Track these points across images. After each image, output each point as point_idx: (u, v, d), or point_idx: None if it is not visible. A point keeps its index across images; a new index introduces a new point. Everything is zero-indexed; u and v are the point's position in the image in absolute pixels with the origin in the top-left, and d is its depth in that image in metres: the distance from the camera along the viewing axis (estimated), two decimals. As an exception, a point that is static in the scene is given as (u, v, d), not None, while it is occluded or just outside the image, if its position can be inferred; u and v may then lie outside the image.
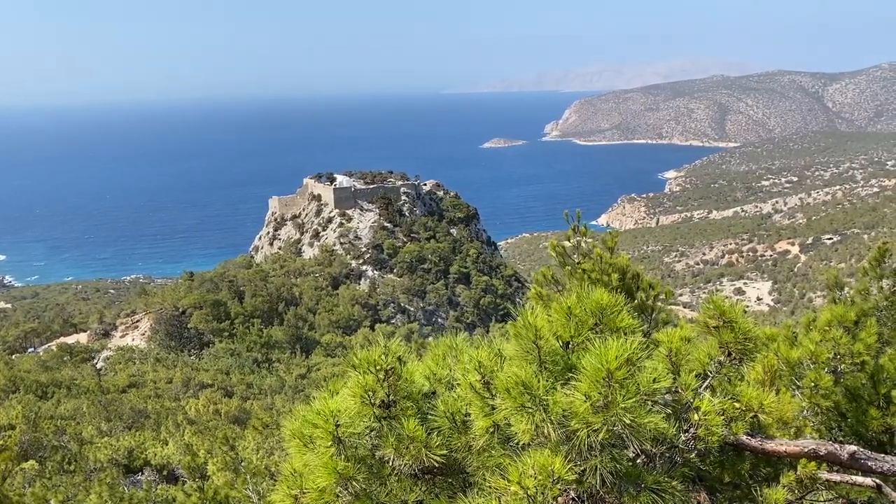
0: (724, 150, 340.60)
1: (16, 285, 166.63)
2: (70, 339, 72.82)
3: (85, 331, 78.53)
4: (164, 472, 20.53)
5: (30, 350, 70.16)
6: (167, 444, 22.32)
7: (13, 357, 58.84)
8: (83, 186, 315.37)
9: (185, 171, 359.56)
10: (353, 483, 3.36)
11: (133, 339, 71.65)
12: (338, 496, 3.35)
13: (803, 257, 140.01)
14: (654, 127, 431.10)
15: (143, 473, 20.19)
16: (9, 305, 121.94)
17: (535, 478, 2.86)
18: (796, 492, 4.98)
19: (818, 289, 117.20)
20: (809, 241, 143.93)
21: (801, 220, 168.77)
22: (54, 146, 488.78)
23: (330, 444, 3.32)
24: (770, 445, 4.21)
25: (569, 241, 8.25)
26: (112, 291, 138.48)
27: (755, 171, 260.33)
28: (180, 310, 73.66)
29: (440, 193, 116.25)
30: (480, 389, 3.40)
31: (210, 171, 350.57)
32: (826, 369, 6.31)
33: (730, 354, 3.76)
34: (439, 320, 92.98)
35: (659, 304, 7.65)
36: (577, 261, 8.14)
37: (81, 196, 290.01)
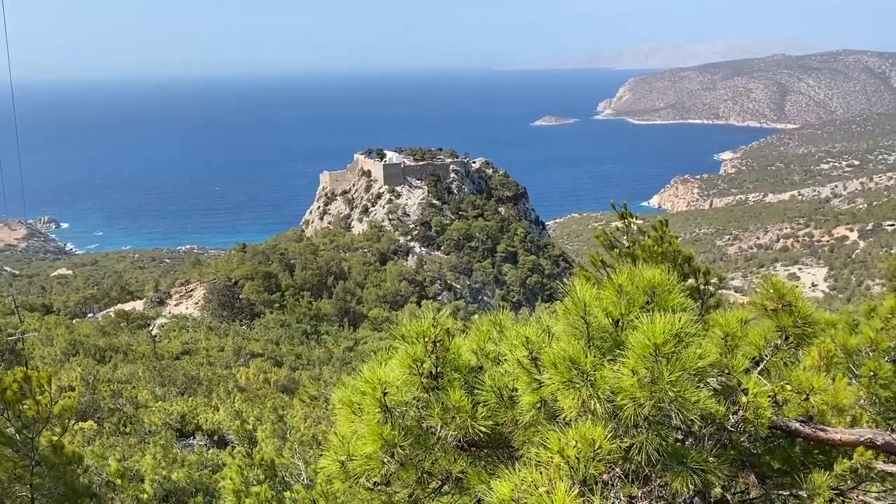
0: (783, 131, 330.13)
1: (77, 252, 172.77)
2: (127, 306, 75.19)
3: (141, 298, 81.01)
4: (215, 437, 21.14)
5: (89, 315, 72.76)
6: (218, 411, 22.94)
7: (74, 321, 61.11)
8: (140, 158, 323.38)
9: (236, 146, 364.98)
10: (399, 450, 3.40)
11: (187, 308, 73.70)
12: (384, 463, 3.40)
13: (862, 243, 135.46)
14: (711, 107, 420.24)
15: (194, 437, 20.82)
16: (70, 272, 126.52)
17: (577, 447, 2.85)
18: (849, 481, 4.86)
19: (877, 276, 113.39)
20: (869, 227, 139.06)
21: (861, 206, 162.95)
22: (111, 119, 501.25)
23: (378, 411, 3.37)
24: (823, 433, 4.11)
25: (617, 229, 8.17)
26: (168, 261, 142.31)
27: (814, 153, 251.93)
28: (233, 280, 75.42)
29: (489, 171, 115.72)
30: (528, 365, 3.39)
31: (260, 147, 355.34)
32: (886, 358, 6.11)
33: (787, 338, 3.67)
34: (485, 298, 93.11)
35: (711, 287, 7.52)
36: (626, 244, 8.05)
37: (138, 167, 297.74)
